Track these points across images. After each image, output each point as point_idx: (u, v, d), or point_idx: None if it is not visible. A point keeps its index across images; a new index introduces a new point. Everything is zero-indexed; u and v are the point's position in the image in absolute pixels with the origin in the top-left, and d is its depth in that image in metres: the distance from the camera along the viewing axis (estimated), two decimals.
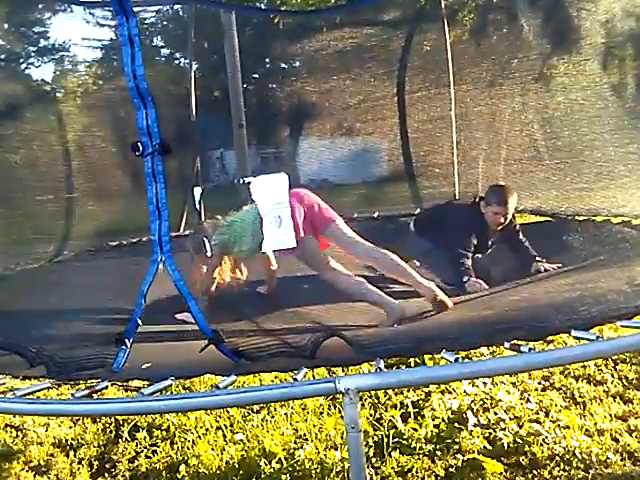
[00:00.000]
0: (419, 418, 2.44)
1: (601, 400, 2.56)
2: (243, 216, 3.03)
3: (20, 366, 1.95)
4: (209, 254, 2.90)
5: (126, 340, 1.90)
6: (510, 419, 2.40)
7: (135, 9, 1.83)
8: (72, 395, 1.67)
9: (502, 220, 3.27)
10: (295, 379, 1.57)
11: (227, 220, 3.10)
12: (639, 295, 1.94)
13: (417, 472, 2.11)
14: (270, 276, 3.37)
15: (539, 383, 2.74)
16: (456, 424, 2.35)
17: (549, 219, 4.25)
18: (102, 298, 3.16)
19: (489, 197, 3.32)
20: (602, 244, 3.19)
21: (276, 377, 2.78)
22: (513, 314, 2.29)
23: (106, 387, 1.77)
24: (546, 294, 2.53)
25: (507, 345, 1.66)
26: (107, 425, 2.61)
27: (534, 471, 2.08)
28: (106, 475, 2.27)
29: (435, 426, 2.38)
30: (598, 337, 1.56)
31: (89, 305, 3.11)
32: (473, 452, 2.20)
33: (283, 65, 6.64)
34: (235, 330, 2.69)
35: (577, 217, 3.96)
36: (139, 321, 1.91)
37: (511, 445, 2.22)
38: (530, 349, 1.53)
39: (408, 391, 2.60)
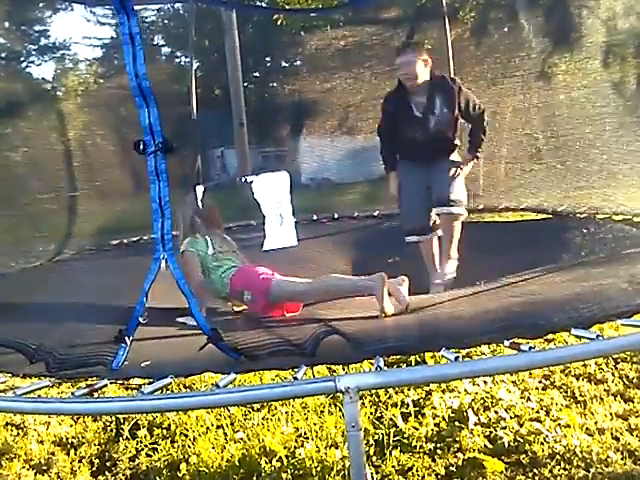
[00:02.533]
0: (420, 417, 2.44)
1: (602, 399, 2.55)
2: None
3: (20, 364, 1.95)
4: (210, 252, 2.90)
5: (126, 338, 1.90)
6: (511, 418, 2.40)
7: (136, 7, 1.83)
8: (72, 394, 1.67)
9: (408, 71, 3.28)
10: (295, 378, 1.57)
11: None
12: None
13: (418, 471, 2.11)
14: None
15: (540, 382, 2.74)
16: (457, 423, 2.35)
17: (550, 216, 4.24)
18: (103, 296, 3.16)
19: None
20: (603, 242, 3.19)
21: (277, 376, 2.78)
22: (513, 312, 2.28)
23: (105, 385, 1.77)
24: (546, 292, 2.52)
25: (507, 343, 1.65)
26: (108, 423, 2.62)
27: (535, 470, 2.08)
28: (107, 473, 2.27)
29: (436, 425, 2.38)
30: (598, 336, 1.56)
31: (90, 303, 3.11)
32: (474, 451, 2.20)
33: (284, 64, 6.65)
34: (234, 328, 2.70)
35: (578, 215, 3.96)
36: (140, 319, 1.91)
37: (512, 444, 2.22)
38: (530, 348, 1.53)
39: (409, 390, 2.60)
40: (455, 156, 3.44)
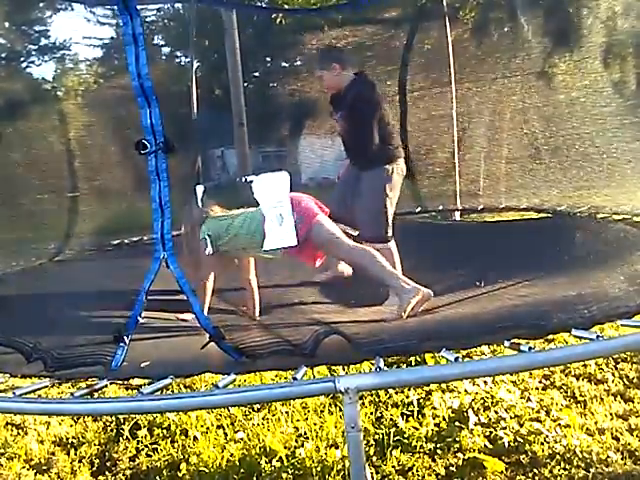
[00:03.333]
0: (420, 417, 2.44)
1: (602, 399, 2.55)
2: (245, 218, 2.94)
3: (18, 364, 1.95)
4: (210, 251, 2.89)
5: (125, 337, 1.90)
6: (511, 418, 2.40)
7: (137, 7, 1.83)
8: (72, 394, 1.67)
9: (325, 82, 3.24)
10: (295, 378, 1.57)
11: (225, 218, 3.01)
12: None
13: (418, 471, 2.11)
14: (251, 301, 3.11)
15: (540, 382, 2.74)
16: (457, 423, 2.35)
17: (549, 216, 4.24)
18: (103, 295, 3.16)
19: None
20: (603, 242, 3.19)
21: (277, 376, 2.78)
22: (513, 312, 2.29)
23: (105, 386, 1.77)
24: (546, 292, 2.52)
25: (507, 344, 1.65)
26: (108, 423, 2.62)
27: (535, 470, 2.08)
28: (107, 473, 2.27)
29: (436, 425, 2.38)
30: (598, 336, 1.56)
31: (89, 302, 3.11)
32: (474, 451, 2.20)
33: (284, 64, 6.64)
34: (236, 327, 2.70)
35: (578, 215, 3.95)
36: (139, 318, 1.91)
37: (512, 444, 2.22)
38: (530, 348, 1.53)
39: (409, 390, 2.60)
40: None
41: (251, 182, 2.48)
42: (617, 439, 2.23)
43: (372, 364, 1.66)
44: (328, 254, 2.90)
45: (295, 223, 2.59)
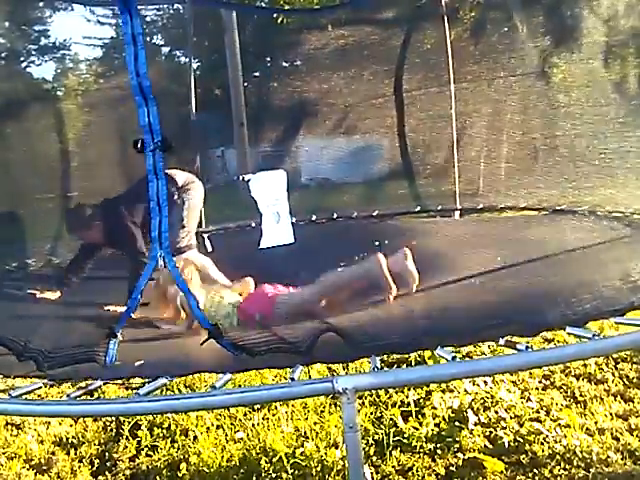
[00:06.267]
0: (420, 417, 2.44)
1: (602, 399, 2.55)
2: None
3: (11, 365, 1.94)
4: (209, 250, 2.90)
5: (118, 334, 1.91)
6: (511, 418, 2.40)
7: (137, 7, 1.83)
8: (67, 395, 1.67)
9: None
10: (292, 378, 1.57)
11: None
12: (634, 291, 1.93)
13: (418, 471, 2.11)
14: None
15: (540, 382, 2.74)
16: (457, 423, 2.36)
17: (545, 213, 4.25)
18: (97, 293, 3.17)
19: None
20: (598, 240, 3.18)
21: (276, 376, 2.78)
22: (507, 309, 2.28)
23: (100, 386, 1.77)
24: (540, 289, 2.51)
25: (502, 342, 1.65)
26: (108, 423, 2.62)
27: (535, 470, 2.08)
28: (107, 473, 2.27)
29: (436, 425, 2.38)
30: (595, 335, 1.55)
31: (83, 299, 3.12)
32: (474, 451, 2.20)
33: (284, 63, 6.63)
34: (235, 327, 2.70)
35: (574, 213, 3.96)
36: (133, 315, 1.92)
37: (512, 444, 2.22)
38: (527, 347, 1.53)
39: (409, 390, 2.60)
40: None
41: (248, 181, 2.48)
42: (617, 439, 2.23)
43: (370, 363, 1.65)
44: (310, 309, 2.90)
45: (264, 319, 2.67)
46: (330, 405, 2.60)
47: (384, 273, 2.58)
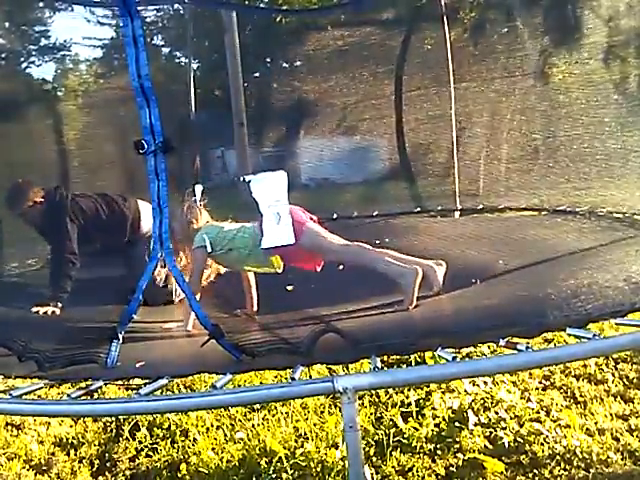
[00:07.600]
0: (420, 417, 2.44)
1: (602, 399, 2.55)
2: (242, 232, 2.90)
3: (12, 365, 1.94)
4: (209, 250, 2.88)
5: (119, 334, 1.91)
6: (511, 418, 2.40)
7: (137, 8, 1.84)
8: (68, 395, 1.67)
9: None
10: (293, 378, 1.57)
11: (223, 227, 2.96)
12: (636, 293, 1.93)
13: (418, 471, 2.11)
14: (249, 296, 3.11)
15: (540, 382, 2.74)
16: (457, 423, 2.35)
17: (546, 214, 4.25)
18: (98, 294, 3.16)
19: None
20: (599, 241, 3.18)
21: (276, 377, 2.78)
22: (508, 310, 2.28)
23: (100, 387, 1.77)
24: (541, 290, 2.51)
25: (502, 342, 1.65)
26: (108, 424, 2.61)
27: (535, 470, 2.08)
28: (107, 474, 2.27)
29: (436, 425, 2.38)
30: (595, 335, 1.55)
31: (84, 300, 3.11)
32: (474, 451, 2.19)
33: (284, 64, 6.64)
34: (235, 325, 2.70)
35: (576, 213, 3.96)
36: (134, 316, 1.92)
37: (512, 444, 2.22)
38: (528, 347, 1.53)
39: (409, 390, 2.59)
40: None
41: (249, 182, 2.48)
42: (617, 439, 2.23)
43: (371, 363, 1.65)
44: (324, 258, 2.90)
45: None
46: (330, 405, 2.60)
47: (414, 289, 2.56)
